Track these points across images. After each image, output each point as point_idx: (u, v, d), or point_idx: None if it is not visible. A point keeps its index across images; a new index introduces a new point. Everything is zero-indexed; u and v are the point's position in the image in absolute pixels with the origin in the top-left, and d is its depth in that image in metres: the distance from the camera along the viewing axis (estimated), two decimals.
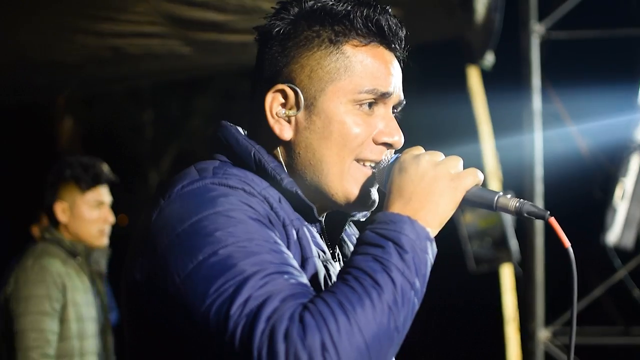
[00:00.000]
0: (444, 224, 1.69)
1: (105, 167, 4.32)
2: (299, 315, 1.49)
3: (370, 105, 1.81)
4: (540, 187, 6.44)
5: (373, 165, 1.82)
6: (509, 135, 6.78)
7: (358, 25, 1.80)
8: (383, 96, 1.81)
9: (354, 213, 1.93)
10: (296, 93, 1.80)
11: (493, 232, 6.57)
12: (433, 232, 1.66)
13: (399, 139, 1.83)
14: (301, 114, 1.80)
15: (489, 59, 6.59)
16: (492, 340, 7.50)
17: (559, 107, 6.73)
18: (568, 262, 1.72)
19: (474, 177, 1.71)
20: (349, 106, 1.79)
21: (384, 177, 1.79)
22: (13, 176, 12.00)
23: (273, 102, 1.82)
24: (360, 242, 1.62)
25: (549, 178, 6.47)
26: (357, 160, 1.81)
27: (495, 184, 6.65)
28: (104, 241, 4.30)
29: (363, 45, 1.81)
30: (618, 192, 6.24)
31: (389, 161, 1.81)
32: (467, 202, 1.73)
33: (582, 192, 6.83)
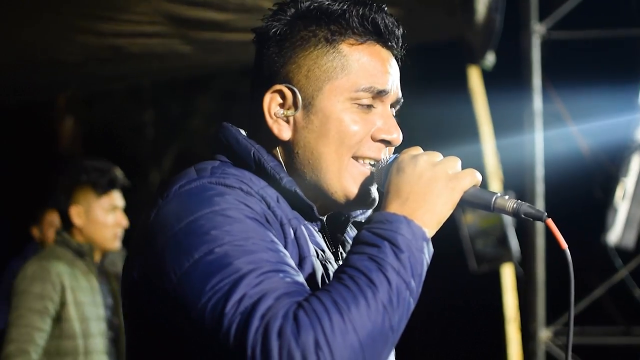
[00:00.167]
0: (442, 224, 1.69)
1: (120, 172, 4.36)
2: (293, 314, 1.49)
3: (368, 103, 1.81)
4: (541, 187, 6.44)
5: (372, 163, 1.82)
6: (510, 135, 6.78)
7: (354, 24, 1.81)
8: (380, 94, 1.81)
9: (356, 214, 1.93)
10: (294, 93, 1.81)
11: (494, 232, 6.57)
12: (430, 232, 1.66)
13: (397, 136, 1.83)
14: (299, 114, 1.81)
15: (490, 59, 6.59)
16: (493, 340, 7.50)
17: (560, 107, 6.73)
18: (565, 263, 1.72)
19: (472, 178, 1.71)
20: (346, 104, 1.80)
21: (383, 178, 1.79)
22: (13, 176, 12.00)
23: (271, 102, 1.82)
24: (356, 242, 1.63)
25: (549, 178, 6.47)
26: (356, 158, 1.81)
27: (496, 184, 6.65)
28: (117, 244, 4.35)
29: (359, 44, 1.82)
30: (619, 192, 6.24)
31: (387, 161, 1.81)
32: (465, 203, 1.73)
33: (582, 192, 6.83)
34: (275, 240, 1.66)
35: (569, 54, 7.23)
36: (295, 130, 1.82)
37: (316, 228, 1.84)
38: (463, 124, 7.02)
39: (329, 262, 1.81)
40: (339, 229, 1.93)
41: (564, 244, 1.72)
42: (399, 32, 1.86)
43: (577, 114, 6.73)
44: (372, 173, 1.82)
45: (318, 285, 1.71)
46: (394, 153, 1.85)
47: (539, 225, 6.41)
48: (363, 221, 1.93)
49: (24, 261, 6.36)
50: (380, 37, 1.83)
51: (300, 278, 1.61)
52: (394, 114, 1.87)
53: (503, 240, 6.53)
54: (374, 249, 1.58)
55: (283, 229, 1.72)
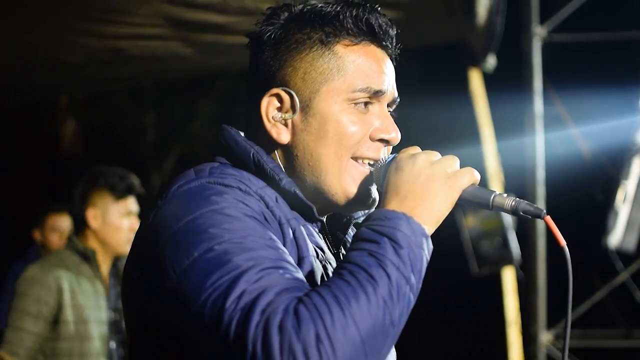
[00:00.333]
0: (440, 222, 1.69)
1: (136, 179, 4.41)
2: (293, 308, 1.49)
3: (365, 103, 1.81)
4: (542, 189, 6.44)
5: (371, 163, 1.83)
6: (511, 137, 6.78)
7: (348, 25, 1.82)
8: (377, 94, 1.82)
9: (357, 215, 1.94)
10: (291, 96, 1.81)
11: (495, 234, 6.57)
12: (429, 229, 1.66)
13: (395, 135, 1.84)
14: (297, 117, 1.81)
15: (491, 61, 6.59)
16: (494, 342, 7.49)
17: (561, 109, 6.73)
18: (564, 260, 1.72)
19: (470, 176, 1.72)
20: (344, 105, 1.80)
21: (381, 177, 1.79)
22: (13, 176, 12.01)
23: (269, 106, 1.83)
24: (355, 239, 1.63)
25: (550, 181, 6.47)
26: (355, 159, 1.82)
27: (496, 187, 6.65)
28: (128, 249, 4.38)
29: (354, 45, 1.82)
30: (620, 195, 6.24)
31: (386, 161, 1.81)
32: (464, 201, 1.74)
33: (583, 194, 6.83)
34: (274, 237, 1.66)
35: (569, 57, 7.23)
36: (293, 133, 1.82)
37: (316, 229, 1.84)
38: (464, 126, 7.02)
39: (329, 262, 1.82)
40: (340, 230, 1.94)
41: (563, 241, 1.72)
42: (393, 32, 1.86)
43: (577, 116, 6.73)
44: (371, 173, 1.83)
45: (317, 285, 1.71)
46: (391, 153, 1.86)
47: (540, 228, 6.41)
48: (352, 237, 1.94)
49: (25, 264, 6.41)
50: (375, 37, 1.84)
51: (300, 274, 1.61)
52: (391, 113, 1.88)
53: (504, 243, 6.53)
54: (373, 245, 1.59)
55: (282, 228, 1.72)
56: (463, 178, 1.71)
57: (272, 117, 1.83)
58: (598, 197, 6.58)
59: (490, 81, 6.90)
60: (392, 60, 1.88)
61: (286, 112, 1.82)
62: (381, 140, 1.83)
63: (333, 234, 1.91)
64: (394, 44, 1.87)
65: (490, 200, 1.73)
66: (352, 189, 1.82)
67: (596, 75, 6.62)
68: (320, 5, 1.83)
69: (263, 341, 1.47)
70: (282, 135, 1.82)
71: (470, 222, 6.58)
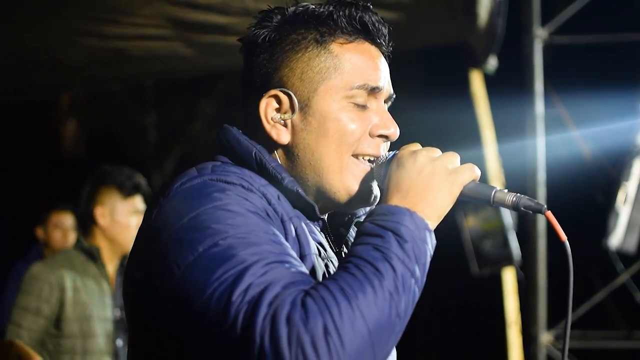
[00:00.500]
0: (442, 217, 1.71)
1: (143, 179, 4.47)
2: (300, 301, 1.50)
3: (363, 101, 1.83)
4: (543, 191, 6.44)
5: (372, 159, 1.84)
6: (512, 139, 6.78)
7: (342, 24, 1.84)
8: (373, 90, 1.84)
9: (359, 214, 1.95)
10: (289, 96, 1.83)
11: (495, 235, 6.57)
12: (432, 225, 1.67)
13: (394, 130, 1.86)
14: (296, 117, 1.83)
15: (492, 63, 6.60)
16: (494, 343, 7.49)
17: (562, 111, 6.73)
18: (565, 255, 1.73)
19: (471, 172, 1.74)
20: (342, 103, 1.82)
21: (382, 174, 1.81)
22: (13, 176, 12.02)
23: (267, 108, 1.84)
24: (359, 234, 1.64)
25: (551, 182, 6.47)
26: (356, 156, 1.83)
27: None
28: None
29: (349, 43, 1.84)
30: (620, 197, 6.24)
31: (386, 158, 1.83)
32: (465, 197, 1.75)
33: (584, 196, 6.84)
34: (277, 233, 1.66)
35: (571, 59, 7.24)
36: (293, 133, 1.83)
37: (318, 227, 1.85)
38: (465, 128, 7.02)
39: (331, 260, 1.83)
40: (342, 228, 1.95)
41: (564, 236, 1.74)
42: (386, 29, 1.89)
43: (579, 118, 6.73)
44: (372, 170, 1.84)
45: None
46: (390, 149, 1.87)
47: (540, 229, 6.42)
48: (356, 232, 1.95)
49: (27, 263, 6.44)
50: (369, 34, 1.86)
51: (304, 269, 1.62)
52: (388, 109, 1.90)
53: (504, 244, 6.54)
54: (378, 239, 1.60)
55: (284, 225, 1.73)
56: (464, 174, 1.72)
57: (272, 118, 1.84)
58: (599, 199, 6.58)
59: (491, 83, 6.90)
60: (385, 57, 1.90)
61: (285, 113, 1.83)
62: (380, 136, 1.85)
63: (334, 233, 1.92)
64: (387, 42, 1.89)
65: (492, 196, 1.75)
66: (354, 187, 1.83)
67: (597, 77, 6.62)
68: (312, 6, 1.85)
69: (271, 333, 1.47)
70: (282, 136, 1.83)
71: (471, 223, 6.59)
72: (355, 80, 1.82)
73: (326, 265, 1.79)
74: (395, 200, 1.69)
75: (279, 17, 1.86)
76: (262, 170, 1.81)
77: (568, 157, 6.67)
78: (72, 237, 6.67)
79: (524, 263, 6.58)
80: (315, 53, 1.83)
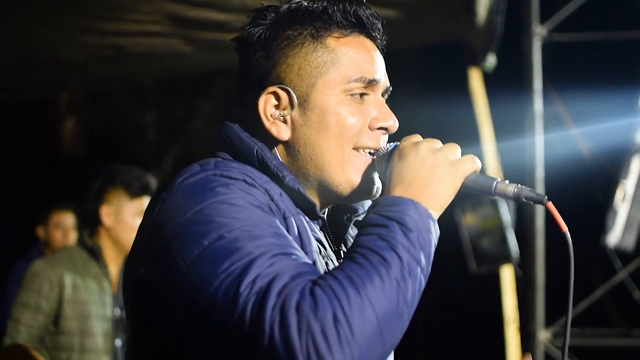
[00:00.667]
0: (444, 209, 1.72)
1: (153, 180, 4.43)
2: (309, 290, 1.50)
3: (361, 94, 1.84)
4: (542, 189, 6.44)
5: (372, 152, 1.85)
6: (511, 137, 6.79)
7: (337, 18, 1.85)
8: (371, 83, 1.85)
9: (359, 212, 1.96)
10: (288, 92, 1.83)
11: (493, 233, 6.58)
12: (435, 215, 1.69)
13: (393, 122, 1.87)
14: (296, 112, 1.84)
15: (491, 61, 6.60)
16: (492, 341, 7.50)
17: (561, 109, 6.74)
18: (565, 246, 1.74)
19: (472, 164, 1.75)
20: (340, 97, 1.83)
21: (383, 166, 1.82)
22: (13, 176, 12.01)
23: (266, 104, 1.85)
24: (364, 225, 1.65)
25: (550, 180, 6.48)
26: (356, 149, 1.84)
27: None
28: None
29: (345, 37, 1.86)
30: (619, 194, 6.25)
31: (387, 149, 1.83)
32: (466, 188, 1.76)
33: (583, 194, 6.84)
34: (281, 227, 1.67)
35: (570, 57, 7.23)
36: (293, 129, 1.84)
37: (317, 226, 1.86)
38: (463, 126, 7.02)
39: (330, 259, 1.84)
40: (341, 227, 1.96)
41: (565, 227, 1.75)
42: (379, 23, 1.90)
43: (577, 116, 6.73)
44: (373, 162, 1.85)
45: None
46: (388, 141, 1.88)
47: (539, 226, 6.43)
48: (360, 223, 1.96)
49: (28, 262, 6.45)
50: (364, 28, 1.88)
51: (309, 261, 1.63)
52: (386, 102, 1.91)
53: (502, 242, 6.54)
54: (383, 229, 1.61)
55: (286, 222, 1.73)
56: (465, 165, 1.74)
57: (271, 115, 1.84)
58: (597, 196, 6.59)
59: (490, 81, 6.90)
60: (380, 50, 1.91)
61: (284, 109, 1.84)
62: (380, 129, 1.86)
63: (334, 232, 1.93)
64: (382, 35, 1.91)
65: (493, 187, 1.76)
66: (356, 179, 1.84)
67: (596, 75, 6.62)
68: (306, 2, 1.86)
69: (280, 323, 1.48)
70: (283, 132, 1.84)
71: (469, 220, 6.59)
72: (352, 73, 1.83)
73: (326, 264, 1.80)
74: (398, 192, 1.70)
75: (273, 14, 1.87)
76: (263, 167, 1.81)
77: (567, 155, 6.68)
78: (72, 237, 6.69)
79: (522, 261, 6.59)
80: (312, 48, 1.84)
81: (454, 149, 1.76)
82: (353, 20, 1.86)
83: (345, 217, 1.97)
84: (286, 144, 1.85)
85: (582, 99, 6.42)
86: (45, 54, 5.67)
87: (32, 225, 7.15)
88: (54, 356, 4.23)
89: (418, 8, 5.51)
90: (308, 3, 1.86)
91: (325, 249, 1.83)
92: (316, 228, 1.84)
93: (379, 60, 1.88)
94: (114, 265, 4.38)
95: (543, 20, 6.58)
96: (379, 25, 1.90)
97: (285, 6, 1.87)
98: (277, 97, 1.84)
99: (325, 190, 1.85)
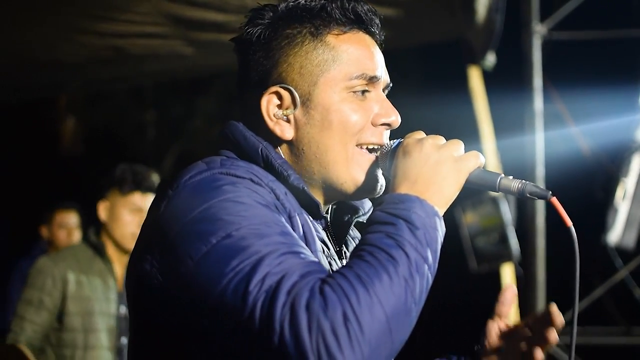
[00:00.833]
0: (449, 205, 1.73)
1: (154, 177, 4.50)
2: (319, 288, 1.51)
3: (363, 91, 1.85)
4: (542, 187, 6.43)
5: (376, 148, 1.86)
6: (511, 135, 6.78)
7: (336, 15, 1.85)
8: (372, 79, 1.86)
9: (359, 213, 1.96)
10: (290, 92, 1.84)
11: (494, 231, 6.57)
12: (440, 212, 1.69)
13: (395, 118, 1.87)
14: (299, 111, 1.84)
15: (490, 59, 6.59)
16: None
17: (561, 107, 6.73)
18: (570, 241, 1.75)
19: (476, 160, 1.76)
20: (342, 94, 1.83)
21: (387, 162, 1.82)
22: (13, 176, 12.01)
23: (269, 104, 1.85)
24: (370, 222, 1.65)
25: (550, 178, 6.47)
26: (360, 146, 1.85)
27: None
28: None
29: (344, 34, 1.86)
30: (619, 192, 6.24)
31: (391, 146, 1.83)
32: (470, 184, 1.77)
33: (583, 192, 6.83)
34: (287, 225, 1.68)
35: (569, 55, 7.23)
36: (297, 128, 1.84)
37: (320, 226, 1.86)
38: (463, 124, 7.01)
39: (333, 259, 1.84)
40: (342, 228, 1.96)
41: (569, 222, 1.76)
42: (377, 19, 1.90)
43: (577, 114, 6.73)
44: (377, 159, 1.85)
45: None
46: (390, 138, 1.88)
47: (539, 225, 6.42)
48: (365, 222, 1.95)
49: (32, 261, 6.46)
50: (363, 24, 1.88)
51: (316, 259, 1.63)
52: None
53: (503, 240, 6.53)
54: (390, 227, 1.61)
55: (291, 221, 1.74)
56: (469, 161, 1.75)
57: (274, 115, 1.84)
58: (597, 195, 6.59)
59: (490, 79, 6.89)
60: (379, 45, 1.92)
61: (287, 109, 1.84)
62: (383, 125, 1.86)
63: (335, 232, 1.93)
64: (380, 31, 1.91)
65: (497, 183, 1.77)
66: (360, 177, 1.85)
67: (596, 73, 6.62)
68: (303, 0, 1.86)
69: (290, 321, 1.48)
70: (286, 132, 1.84)
71: (469, 219, 6.58)
72: (353, 70, 1.84)
73: (329, 264, 1.80)
74: (403, 189, 1.70)
75: (271, 13, 1.87)
76: (268, 166, 1.81)
77: (567, 153, 6.67)
78: (76, 236, 6.71)
79: (523, 259, 6.58)
80: (312, 46, 1.84)
81: (458, 145, 1.76)
82: (352, 16, 1.86)
83: (346, 218, 1.97)
84: (290, 143, 1.85)
85: (582, 96, 6.42)
86: (44, 55, 5.66)
87: (32, 224, 7.16)
88: (58, 353, 4.28)
89: (417, 7, 5.51)
90: (306, 1, 1.86)
91: (328, 248, 1.84)
92: (319, 228, 1.84)
93: (379, 56, 1.89)
94: (119, 263, 4.43)
95: (543, 18, 6.58)
96: (377, 21, 1.90)
97: (283, 5, 1.87)
98: (280, 97, 1.84)
99: (330, 188, 1.85)
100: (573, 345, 1.83)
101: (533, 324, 1.87)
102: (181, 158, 14.76)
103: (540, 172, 6.45)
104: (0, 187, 11.49)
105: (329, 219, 1.91)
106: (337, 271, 1.55)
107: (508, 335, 1.91)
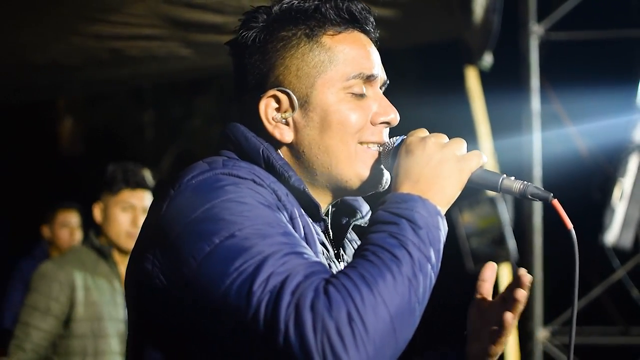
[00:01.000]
0: (451, 204, 1.73)
1: (145, 173, 4.41)
2: (323, 289, 1.51)
3: (360, 90, 1.84)
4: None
5: (378, 146, 1.86)
6: (508, 135, 6.79)
7: (330, 16, 1.85)
8: (369, 79, 1.85)
9: (357, 217, 1.97)
10: (288, 95, 1.83)
11: (491, 231, 6.57)
12: (442, 211, 1.70)
13: (394, 115, 1.87)
14: (297, 114, 1.84)
15: (488, 59, 6.60)
16: None
17: (558, 107, 6.74)
18: (570, 243, 1.76)
19: (478, 159, 1.76)
20: (340, 94, 1.83)
21: (390, 160, 1.83)
22: (13, 176, 12.00)
23: (267, 108, 1.84)
24: (373, 222, 1.66)
25: (547, 179, 6.48)
26: (361, 144, 1.85)
27: None
28: (131, 244, 4.33)
29: (339, 34, 1.86)
30: (616, 193, 6.25)
31: (393, 144, 1.84)
32: (472, 184, 1.77)
33: (580, 192, 6.84)
34: (289, 226, 1.68)
35: (567, 55, 7.24)
36: (296, 130, 1.84)
37: (320, 228, 1.86)
38: (461, 124, 7.02)
39: (333, 261, 1.85)
40: (340, 231, 1.97)
41: (570, 224, 1.76)
42: (371, 17, 1.90)
43: (575, 114, 6.74)
44: (379, 155, 1.86)
45: None
46: (391, 135, 1.89)
47: (537, 225, 6.43)
48: (362, 225, 1.97)
49: (34, 260, 6.43)
50: (357, 23, 1.88)
51: (319, 260, 1.63)
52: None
53: (500, 240, 6.53)
54: (392, 226, 1.61)
55: (293, 222, 1.74)
56: (472, 161, 1.75)
57: (273, 118, 1.84)
58: (595, 195, 6.59)
59: (487, 79, 6.90)
60: (374, 44, 1.92)
61: (285, 112, 1.84)
62: (382, 123, 1.86)
63: (333, 235, 1.93)
64: (375, 29, 1.91)
65: (499, 183, 1.77)
66: (365, 173, 1.85)
67: (593, 74, 6.63)
68: (296, 2, 1.86)
69: (295, 321, 1.49)
70: (286, 135, 1.84)
71: (466, 219, 6.59)
72: (350, 70, 1.83)
73: (329, 266, 1.81)
74: (406, 188, 1.71)
75: (265, 16, 1.86)
76: (269, 167, 1.81)
77: (564, 154, 6.68)
78: (78, 236, 6.70)
79: (520, 259, 6.59)
80: (308, 48, 1.83)
81: (461, 144, 1.76)
82: (346, 16, 1.86)
83: (344, 221, 1.97)
84: (290, 145, 1.85)
85: (579, 97, 6.43)
86: (42, 57, 5.66)
87: (32, 225, 7.15)
88: None
89: (415, 7, 5.51)
90: (299, 2, 1.86)
91: (328, 251, 1.84)
92: (318, 230, 1.85)
93: (375, 55, 1.89)
94: (123, 265, 4.29)
95: (540, 18, 6.59)
96: (372, 19, 1.90)
97: (276, 7, 1.86)
98: (278, 100, 1.84)
99: (334, 187, 1.86)
100: (572, 345, 1.83)
101: (506, 293, 1.88)
102: (180, 158, 14.75)
103: (537, 172, 6.46)
104: (0, 188, 11.48)
105: (328, 222, 1.91)
106: (340, 271, 1.56)
107: (488, 311, 1.92)
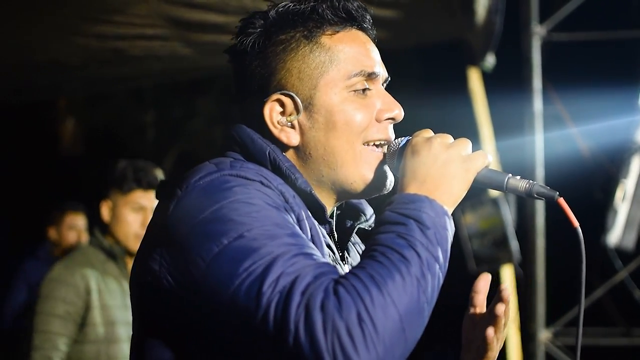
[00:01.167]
0: (457, 204, 1.74)
1: (157, 173, 4.26)
2: (333, 289, 1.51)
3: (363, 89, 1.85)
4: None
5: (384, 143, 1.86)
6: (510, 136, 6.79)
7: (328, 16, 1.85)
8: (371, 76, 1.86)
9: (361, 220, 1.97)
10: (292, 98, 1.83)
11: (494, 232, 6.57)
12: (449, 211, 1.70)
13: (399, 111, 1.87)
14: (302, 116, 1.84)
15: (490, 60, 6.60)
16: None
17: (560, 108, 6.74)
18: (576, 241, 1.76)
19: (483, 159, 1.77)
20: (343, 94, 1.83)
21: (395, 161, 1.83)
22: (14, 176, 12.01)
23: (272, 112, 1.85)
24: (381, 223, 1.66)
25: (550, 179, 6.48)
26: (367, 143, 1.85)
27: None
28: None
29: (338, 33, 1.86)
30: (619, 194, 6.25)
31: (399, 145, 1.84)
32: (478, 183, 1.78)
33: (583, 193, 6.83)
34: (297, 227, 1.69)
35: (569, 56, 7.23)
36: (302, 132, 1.84)
37: (325, 230, 1.86)
38: (463, 125, 7.01)
39: (339, 263, 1.85)
40: (345, 234, 1.96)
41: (576, 222, 1.77)
42: (368, 14, 1.91)
43: (577, 115, 6.74)
44: (384, 157, 1.86)
45: None
46: (396, 136, 1.89)
47: (539, 226, 6.43)
48: (367, 228, 1.97)
49: (38, 261, 6.38)
50: (355, 21, 1.88)
51: (327, 261, 1.64)
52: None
53: (503, 241, 6.53)
54: (400, 227, 1.62)
55: (300, 224, 1.74)
56: (477, 161, 1.76)
57: (278, 122, 1.85)
58: (597, 196, 6.59)
59: (489, 80, 6.90)
60: (373, 41, 1.92)
61: (290, 115, 1.84)
62: (387, 119, 1.86)
63: (338, 237, 1.93)
64: (372, 26, 1.91)
65: (505, 183, 1.78)
66: (370, 175, 1.85)
67: (596, 75, 6.62)
68: (292, 5, 1.86)
69: (305, 321, 1.49)
70: (292, 138, 1.84)
71: (469, 220, 6.59)
72: (351, 69, 1.84)
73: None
74: (412, 189, 1.71)
75: (262, 21, 1.86)
76: (276, 169, 1.81)
77: (566, 154, 6.68)
78: (84, 239, 6.64)
79: (523, 260, 6.59)
80: (308, 50, 1.84)
81: (466, 144, 1.77)
82: (343, 15, 1.86)
83: (349, 224, 1.98)
84: (296, 148, 1.85)
85: (581, 98, 6.42)
86: (44, 57, 5.66)
87: (32, 225, 7.14)
88: None
89: (417, 8, 5.51)
90: (295, 5, 1.86)
91: (333, 253, 1.85)
92: (324, 232, 1.85)
93: (375, 52, 1.89)
94: (129, 267, 4.22)
95: (542, 19, 6.59)
96: (369, 17, 1.90)
97: (272, 11, 1.86)
98: (282, 104, 1.84)
99: (339, 189, 1.86)
100: (579, 347, 1.83)
101: (491, 307, 1.89)
102: (181, 158, 14.75)
103: (539, 173, 6.46)
104: (0, 188, 11.48)
105: (333, 224, 1.91)
106: (350, 272, 1.56)
107: (479, 324, 1.92)
